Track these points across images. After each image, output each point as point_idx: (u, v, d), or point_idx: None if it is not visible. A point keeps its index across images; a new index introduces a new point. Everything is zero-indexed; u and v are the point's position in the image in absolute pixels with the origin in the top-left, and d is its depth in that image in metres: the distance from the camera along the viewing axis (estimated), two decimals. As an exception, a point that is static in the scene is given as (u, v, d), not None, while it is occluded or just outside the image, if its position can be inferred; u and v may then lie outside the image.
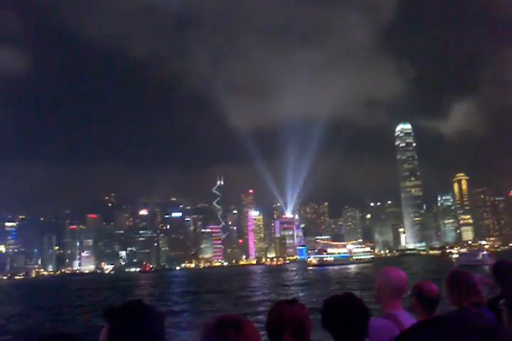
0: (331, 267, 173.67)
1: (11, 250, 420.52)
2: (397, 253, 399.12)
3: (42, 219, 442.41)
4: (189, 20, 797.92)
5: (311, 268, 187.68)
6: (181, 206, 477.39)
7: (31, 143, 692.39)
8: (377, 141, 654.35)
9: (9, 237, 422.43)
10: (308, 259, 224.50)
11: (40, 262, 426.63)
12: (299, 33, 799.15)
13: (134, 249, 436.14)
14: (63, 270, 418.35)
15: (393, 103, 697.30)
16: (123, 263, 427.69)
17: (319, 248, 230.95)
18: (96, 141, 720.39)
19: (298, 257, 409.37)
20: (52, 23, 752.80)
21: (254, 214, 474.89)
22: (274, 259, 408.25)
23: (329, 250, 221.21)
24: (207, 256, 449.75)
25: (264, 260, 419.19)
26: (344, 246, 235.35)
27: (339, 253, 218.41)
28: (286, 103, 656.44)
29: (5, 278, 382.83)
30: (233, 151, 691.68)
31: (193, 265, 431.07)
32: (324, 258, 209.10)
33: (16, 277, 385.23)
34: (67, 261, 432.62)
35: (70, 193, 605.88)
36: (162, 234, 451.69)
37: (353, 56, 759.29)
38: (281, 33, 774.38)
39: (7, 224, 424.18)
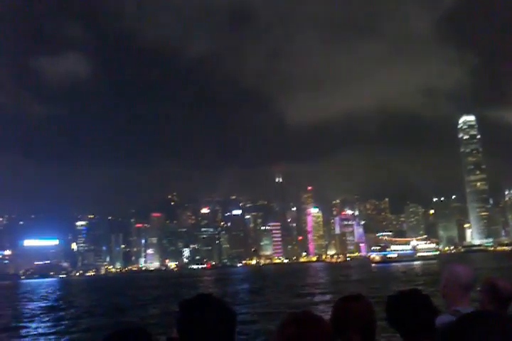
0: (394, 264, 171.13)
1: (81, 248, 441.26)
2: (462, 250, 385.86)
3: (110, 218, 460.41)
4: (245, 17, 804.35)
5: (374, 264, 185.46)
6: (241, 204, 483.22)
7: (98, 145, 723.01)
8: (439, 134, 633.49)
9: (80, 236, 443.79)
10: (371, 256, 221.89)
11: (108, 259, 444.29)
12: (356, 24, 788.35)
13: (196, 246, 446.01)
14: (130, 267, 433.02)
15: (455, 93, 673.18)
16: (186, 261, 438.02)
17: (382, 244, 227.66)
18: (159, 142, 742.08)
19: (359, 254, 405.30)
20: (113, 28, 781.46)
21: (313, 211, 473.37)
22: (335, 256, 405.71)
23: (392, 247, 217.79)
24: (267, 253, 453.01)
25: (324, 257, 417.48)
26: (407, 242, 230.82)
27: (403, 249, 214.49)
28: (345, 96, 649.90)
29: (77, 274, 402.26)
30: (292, 148, 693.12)
31: (253, 262, 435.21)
32: (388, 255, 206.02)
33: (87, 274, 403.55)
34: (133, 258, 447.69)
35: (136, 193, 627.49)
36: (223, 232, 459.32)
37: (412, 46, 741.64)
38: (338, 25, 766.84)
39: (78, 223, 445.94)
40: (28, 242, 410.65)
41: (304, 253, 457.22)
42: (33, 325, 39.88)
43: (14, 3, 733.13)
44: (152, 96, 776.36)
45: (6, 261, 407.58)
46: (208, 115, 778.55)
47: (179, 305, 2.91)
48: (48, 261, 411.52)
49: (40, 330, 36.65)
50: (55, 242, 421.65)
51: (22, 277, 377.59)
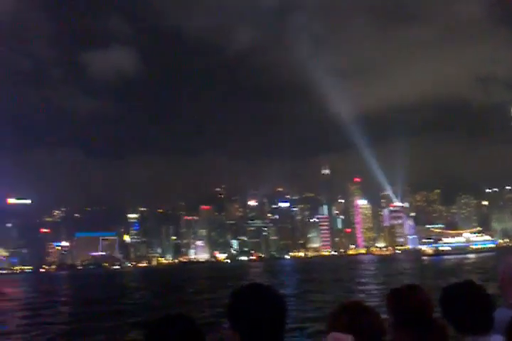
0: (447, 257, 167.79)
1: (134, 240, 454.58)
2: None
3: (160, 211, 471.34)
4: (289, 7, 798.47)
5: (425, 257, 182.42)
6: (288, 196, 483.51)
7: (147, 138, 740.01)
8: (492, 122, 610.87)
9: (132, 228, 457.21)
10: (422, 248, 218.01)
11: (159, 251, 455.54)
12: (402, 11, 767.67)
13: (244, 238, 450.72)
14: (180, 258, 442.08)
15: (509, 79, 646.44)
16: (235, 252, 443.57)
17: (433, 237, 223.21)
18: (205, 135, 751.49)
19: (409, 246, 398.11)
20: (158, 21, 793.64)
21: (361, 202, 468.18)
22: (383, 249, 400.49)
23: (444, 239, 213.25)
24: (315, 245, 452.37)
25: (373, 249, 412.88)
26: (460, 234, 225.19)
27: (456, 242, 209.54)
28: (392, 85, 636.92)
29: (130, 265, 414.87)
30: (338, 139, 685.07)
31: (301, 254, 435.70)
32: (440, 248, 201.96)
33: (139, 265, 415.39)
34: (183, 250, 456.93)
35: (185, 186, 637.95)
36: (271, 224, 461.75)
37: (464, 31, 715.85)
38: (384, 12, 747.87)
39: (130, 215, 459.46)
40: (83, 234, 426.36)
41: (352, 246, 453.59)
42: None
43: (60, 0, 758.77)
44: (198, 88, 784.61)
45: (64, 252, 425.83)
46: (254, 107, 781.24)
47: (231, 293, 2.92)
48: (103, 253, 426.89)
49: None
50: (109, 234, 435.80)
51: (79, 267, 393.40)
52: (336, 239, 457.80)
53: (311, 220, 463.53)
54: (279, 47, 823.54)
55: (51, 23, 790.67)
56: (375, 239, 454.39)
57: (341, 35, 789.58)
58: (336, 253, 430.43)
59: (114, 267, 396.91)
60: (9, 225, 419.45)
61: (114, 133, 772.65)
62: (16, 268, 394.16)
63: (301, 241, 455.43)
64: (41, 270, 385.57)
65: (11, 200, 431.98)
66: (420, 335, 3.34)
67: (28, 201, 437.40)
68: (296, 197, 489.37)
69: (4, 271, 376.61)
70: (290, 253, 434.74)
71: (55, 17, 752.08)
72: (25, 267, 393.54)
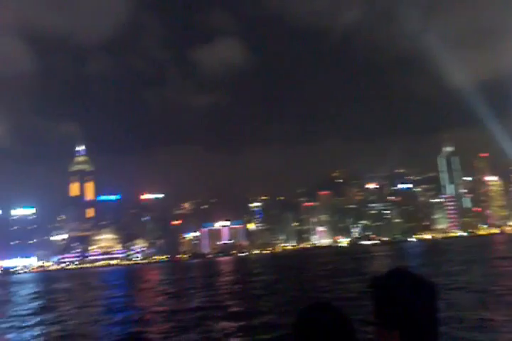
0: None
1: (258, 227, 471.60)
2: None
3: (280, 198, 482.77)
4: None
5: None
6: (409, 177, 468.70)
7: (263, 128, 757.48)
8: None
9: (256, 216, 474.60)
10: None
11: (282, 237, 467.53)
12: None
13: (366, 222, 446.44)
14: (303, 244, 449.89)
15: None
16: (357, 237, 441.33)
17: None
18: (319, 119, 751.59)
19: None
20: (259, 11, 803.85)
21: (490, 179, 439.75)
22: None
23: None
24: (441, 226, 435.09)
25: (506, 228, 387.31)
26: None
27: None
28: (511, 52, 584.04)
29: (256, 252, 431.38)
30: (460, 113, 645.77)
31: (427, 236, 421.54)
32: None
33: (264, 251, 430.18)
34: (305, 235, 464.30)
35: (303, 173, 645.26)
36: (392, 206, 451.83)
37: None
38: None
39: (253, 204, 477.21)
40: (210, 224, 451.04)
41: (483, 226, 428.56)
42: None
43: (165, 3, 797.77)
44: (308, 72, 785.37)
45: (196, 242, 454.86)
46: (367, 85, 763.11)
47: (370, 283, 2.67)
48: (230, 241, 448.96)
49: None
50: (236, 223, 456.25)
51: (209, 256, 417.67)
52: (465, 219, 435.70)
53: (435, 201, 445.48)
54: (388, 21, 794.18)
55: (160, 26, 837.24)
56: (507, 218, 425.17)
57: (451, 4, 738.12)
58: (465, 233, 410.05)
59: (241, 254, 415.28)
60: (146, 219, 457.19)
61: (231, 125, 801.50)
62: (154, 257, 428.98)
63: (426, 223, 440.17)
64: (176, 259, 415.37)
65: (146, 196, 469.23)
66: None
67: (161, 195, 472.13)
68: (418, 178, 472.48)
69: (145, 261, 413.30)
70: (415, 236, 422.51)
71: (163, 19, 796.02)
72: (162, 257, 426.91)
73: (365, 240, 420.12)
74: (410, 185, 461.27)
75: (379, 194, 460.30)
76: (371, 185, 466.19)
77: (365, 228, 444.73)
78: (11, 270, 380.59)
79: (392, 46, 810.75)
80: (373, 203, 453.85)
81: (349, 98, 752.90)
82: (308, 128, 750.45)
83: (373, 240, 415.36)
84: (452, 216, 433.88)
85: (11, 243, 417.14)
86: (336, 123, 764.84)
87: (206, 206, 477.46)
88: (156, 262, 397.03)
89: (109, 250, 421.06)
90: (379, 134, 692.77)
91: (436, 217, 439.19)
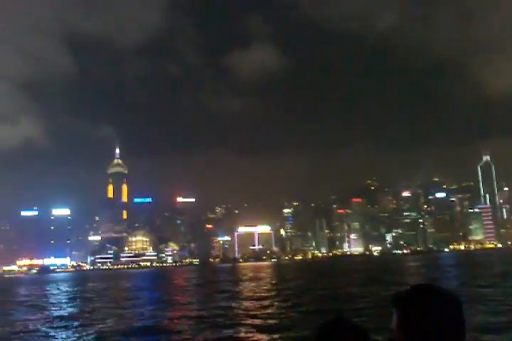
0: None
1: (289, 233, 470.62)
2: None
3: (312, 205, 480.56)
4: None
5: None
6: (445, 186, 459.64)
7: (297, 134, 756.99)
8: None
9: (287, 222, 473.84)
10: None
11: (314, 244, 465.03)
12: None
13: (399, 230, 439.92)
14: (334, 251, 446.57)
15: None
16: (389, 246, 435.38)
17: None
18: (352, 125, 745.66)
19: None
20: (294, 15, 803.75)
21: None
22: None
23: None
24: (477, 237, 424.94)
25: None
26: None
27: None
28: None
29: (286, 258, 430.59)
30: (498, 122, 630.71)
31: (462, 246, 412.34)
32: None
33: (295, 257, 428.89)
34: (337, 243, 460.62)
35: (336, 179, 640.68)
36: (427, 216, 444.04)
37: None
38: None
39: (285, 210, 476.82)
40: (242, 229, 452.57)
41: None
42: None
43: (195, 6, 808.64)
44: (342, 77, 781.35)
45: (226, 246, 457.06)
46: (403, 91, 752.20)
47: (391, 300, 2.56)
48: (261, 246, 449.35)
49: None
50: (267, 229, 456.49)
51: (240, 260, 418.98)
52: (502, 230, 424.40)
53: (471, 211, 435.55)
54: (425, 25, 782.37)
55: (196, 31, 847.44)
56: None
57: (491, 7, 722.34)
58: (502, 245, 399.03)
59: (272, 260, 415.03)
60: (178, 222, 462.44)
61: (265, 130, 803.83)
62: (185, 260, 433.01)
63: (462, 233, 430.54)
64: (206, 262, 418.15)
65: (179, 199, 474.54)
66: None
67: (192, 199, 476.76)
68: (454, 187, 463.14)
69: (176, 264, 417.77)
70: (450, 246, 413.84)
71: (199, 24, 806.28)
72: (194, 260, 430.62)
73: (398, 249, 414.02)
74: (446, 194, 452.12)
75: (413, 202, 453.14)
76: (406, 194, 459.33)
77: (398, 237, 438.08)
78: (49, 268, 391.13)
79: (428, 51, 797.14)
80: (407, 212, 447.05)
81: (384, 103, 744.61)
82: (342, 134, 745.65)
83: (406, 249, 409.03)
84: (489, 227, 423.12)
85: (49, 242, 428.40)
86: (370, 129, 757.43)
87: (238, 210, 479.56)
88: (187, 265, 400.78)
89: (141, 252, 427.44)
90: (414, 141, 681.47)
91: (472, 227, 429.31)
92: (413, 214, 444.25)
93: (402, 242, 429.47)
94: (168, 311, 42.50)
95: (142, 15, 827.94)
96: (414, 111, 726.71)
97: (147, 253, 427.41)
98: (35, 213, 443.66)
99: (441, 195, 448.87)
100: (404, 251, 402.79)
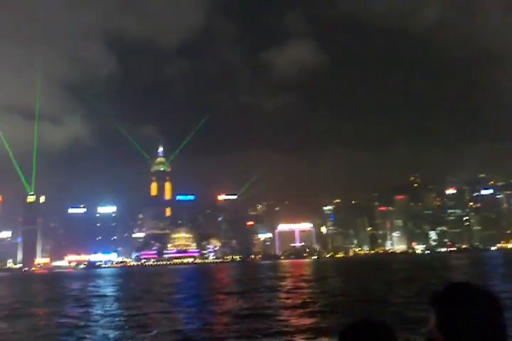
0: None
1: (330, 231, 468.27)
2: None
3: (354, 202, 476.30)
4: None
5: None
6: (491, 182, 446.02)
7: (338, 131, 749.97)
8: None
9: (328, 219, 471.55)
10: None
11: (356, 242, 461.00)
12: None
13: (443, 228, 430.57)
14: (376, 249, 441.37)
15: None
16: (433, 243, 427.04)
17: None
18: (395, 122, 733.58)
19: None
20: (332, 10, 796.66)
21: None
22: None
23: None
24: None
25: None
26: None
27: None
28: None
29: (327, 256, 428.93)
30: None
31: (510, 245, 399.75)
32: None
33: (337, 255, 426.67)
34: (379, 241, 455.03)
35: (377, 176, 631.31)
36: (472, 213, 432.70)
37: None
38: None
39: (325, 207, 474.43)
40: (283, 226, 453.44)
41: None
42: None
43: (233, 5, 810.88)
44: (383, 73, 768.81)
45: (268, 243, 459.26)
46: (448, 86, 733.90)
47: (429, 300, 2.52)
48: (303, 243, 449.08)
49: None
50: (307, 226, 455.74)
51: (281, 257, 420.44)
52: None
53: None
54: (467, 20, 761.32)
55: (233, 29, 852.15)
56: None
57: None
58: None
59: (313, 257, 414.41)
60: (220, 219, 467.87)
61: (304, 127, 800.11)
62: (227, 257, 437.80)
63: (509, 231, 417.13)
64: (248, 259, 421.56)
65: (221, 197, 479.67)
66: None
67: (234, 197, 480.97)
68: (501, 183, 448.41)
69: (218, 260, 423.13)
70: (497, 245, 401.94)
71: (236, 22, 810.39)
72: (235, 257, 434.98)
73: (442, 247, 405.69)
74: (493, 191, 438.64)
75: (459, 199, 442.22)
76: (451, 191, 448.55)
77: (442, 235, 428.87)
78: (95, 264, 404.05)
79: (474, 44, 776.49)
80: (452, 209, 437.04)
81: (428, 99, 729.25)
82: (385, 131, 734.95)
83: (451, 247, 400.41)
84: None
85: (96, 239, 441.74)
86: (414, 124, 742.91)
87: (279, 208, 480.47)
88: (229, 262, 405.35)
89: (184, 248, 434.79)
90: (460, 136, 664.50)
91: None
92: (458, 211, 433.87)
93: (446, 240, 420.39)
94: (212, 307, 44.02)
95: (182, 15, 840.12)
96: (460, 105, 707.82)
97: (190, 250, 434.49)
98: (83, 211, 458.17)
99: (487, 191, 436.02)
100: (449, 249, 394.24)
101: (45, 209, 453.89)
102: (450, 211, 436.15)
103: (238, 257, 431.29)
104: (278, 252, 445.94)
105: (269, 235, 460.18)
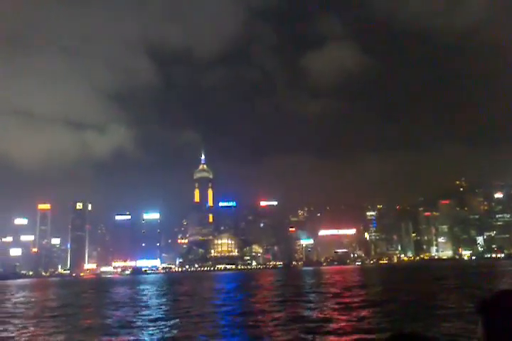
0: None
1: (373, 237, 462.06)
2: None
3: (397, 207, 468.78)
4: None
5: None
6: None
7: (379, 135, 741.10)
8: None
9: (371, 225, 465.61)
10: None
11: (399, 248, 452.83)
12: None
13: (491, 234, 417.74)
14: (421, 255, 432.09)
15: None
16: (481, 249, 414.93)
17: None
18: (441, 126, 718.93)
19: None
20: (369, 13, 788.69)
21: None
22: None
23: None
24: None
25: None
26: None
27: None
28: None
29: (371, 262, 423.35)
30: None
31: None
32: None
33: (380, 261, 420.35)
34: (424, 246, 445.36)
35: (422, 181, 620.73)
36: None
37: None
38: None
39: (368, 213, 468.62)
40: (325, 232, 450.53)
41: None
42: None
43: (270, 13, 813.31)
44: (424, 75, 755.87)
45: (309, 249, 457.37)
46: (490, 87, 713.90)
47: (476, 308, 2.45)
48: (345, 250, 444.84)
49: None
50: (351, 231, 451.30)
51: (323, 264, 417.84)
52: None
53: None
54: (509, 20, 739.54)
55: (270, 35, 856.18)
56: None
57: None
58: None
59: (357, 264, 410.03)
60: (262, 225, 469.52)
61: (345, 132, 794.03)
62: (269, 263, 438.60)
63: None
64: (290, 265, 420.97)
65: (262, 203, 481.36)
66: None
67: (275, 202, 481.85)
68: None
69: (261, 266, 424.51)
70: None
71: (273, 29, 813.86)
72: (277, 263, 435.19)
73: (490, 253, 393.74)
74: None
75: (507, 204, 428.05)
76: (498, 195, 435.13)
77: (490, 240, 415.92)
78: (141, 270, 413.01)
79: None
80: (500, 214, 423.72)
81: (471, 100, 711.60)
82: (428, 134, 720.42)
83: (499, 253, 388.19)
84: None
85: (141, 245, 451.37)
86: (458, 127, 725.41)
87: (320, 213, 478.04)
88: (271, 268, 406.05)
89: (227, 254, 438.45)
90: (507, 138, 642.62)
91: None
92: (507, 216, 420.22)
93: (494, 246, 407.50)
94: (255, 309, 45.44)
95: (220, 25, 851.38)
96: (506, 105, 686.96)
97: (232, 256, 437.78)
98: (128, 217, 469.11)
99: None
100: (498, 255, 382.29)
101: (93, 216, 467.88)
102: (498, 216, 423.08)
103: (280, 263, 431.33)
104: (320, 258, 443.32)
105: (311, 241, 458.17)
